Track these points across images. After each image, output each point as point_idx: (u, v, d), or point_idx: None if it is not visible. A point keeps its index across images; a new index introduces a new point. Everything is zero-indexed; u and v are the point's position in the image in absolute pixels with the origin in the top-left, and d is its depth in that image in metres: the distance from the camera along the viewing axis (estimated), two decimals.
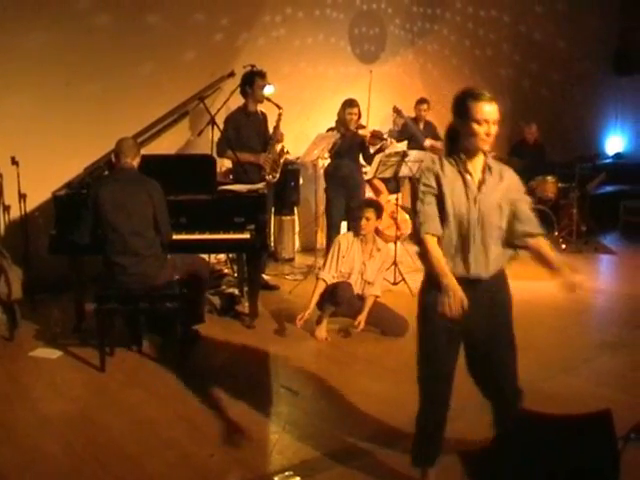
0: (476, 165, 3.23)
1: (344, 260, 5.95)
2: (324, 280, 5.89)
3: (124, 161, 5.31)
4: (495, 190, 3.21)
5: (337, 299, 5.77)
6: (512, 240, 3.28)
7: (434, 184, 3.21)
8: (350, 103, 7.50)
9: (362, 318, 5.84)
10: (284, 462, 3.90)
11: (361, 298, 5.95)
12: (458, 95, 3.21)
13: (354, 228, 6.14)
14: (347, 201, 7.61)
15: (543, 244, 3.27)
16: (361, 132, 7.55)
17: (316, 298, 5.87)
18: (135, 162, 5.36)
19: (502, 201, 3.22)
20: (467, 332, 3.31)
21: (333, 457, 3.95)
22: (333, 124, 7.62)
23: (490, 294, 3.29)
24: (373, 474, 3.77)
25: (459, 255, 3.22)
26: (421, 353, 3.42)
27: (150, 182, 5.29)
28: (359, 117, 7.58)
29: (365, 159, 7.79)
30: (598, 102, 12.46)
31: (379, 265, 6.04)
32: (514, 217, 3.25)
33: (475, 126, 3.11)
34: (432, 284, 3.21)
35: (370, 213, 5.93)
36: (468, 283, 3.17)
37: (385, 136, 7.85)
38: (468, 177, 3.20)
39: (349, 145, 7.52)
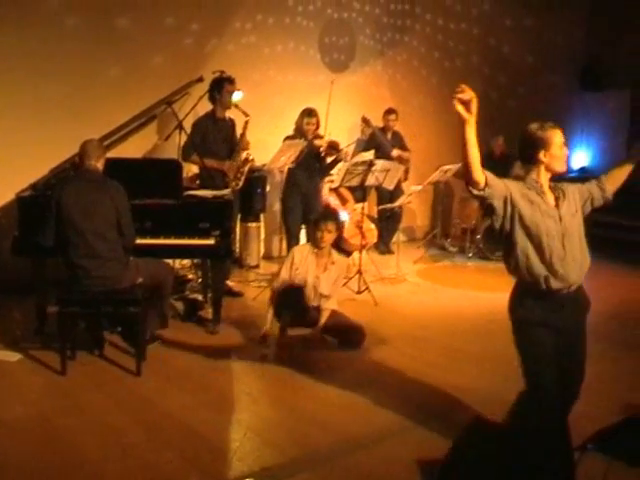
0: (546, 188, 3.64)
1: (297, 272, 5.87)
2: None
3: (88, 163, 5.28)
4: (566, 204, 3.63)
5: (288, 302, 5.74)
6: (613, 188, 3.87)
7: (511, 186, 3.60)
8: (309, 112, 7.52)
9: (318, 330, 5.84)
10: (244, 469, 3.89)
11: (317, 309, 5.91)
12: (534, 129, 3.61)
13: (313, 240, 6.08)
14: (304, 209, 7.63)
15: (613, 170, 3.93)
16: (317, 142, 7.53)
17: (272, 310, 5.86)
18: (99, 164, 5.33)
19: (574, 208, 3.65)
20: (561, 333, 3.59)
21: (294, 464, 3.96)
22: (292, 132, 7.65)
23: (578, 297, 3.68)
24: None
25: (556, 270, 3.50)
26: (528, 361, 3.67)
27: (113, 184, 5.27)
28: (317, 127, 7.59)
29: (321, 169, 7.81)
30: (564, 116, 12.53)
31: (334, 278, 5.98)
32: (599, 190, 3.85)
33: (559, 151, 3.59)
34: (523, 294, 3.62)
35: (331, 225, 5.90)
36: (566, 292, 3.56)
37: (342, 147, 7.84)
38: (547, 199, 3.60)
39: (306, 154, 7.50)
